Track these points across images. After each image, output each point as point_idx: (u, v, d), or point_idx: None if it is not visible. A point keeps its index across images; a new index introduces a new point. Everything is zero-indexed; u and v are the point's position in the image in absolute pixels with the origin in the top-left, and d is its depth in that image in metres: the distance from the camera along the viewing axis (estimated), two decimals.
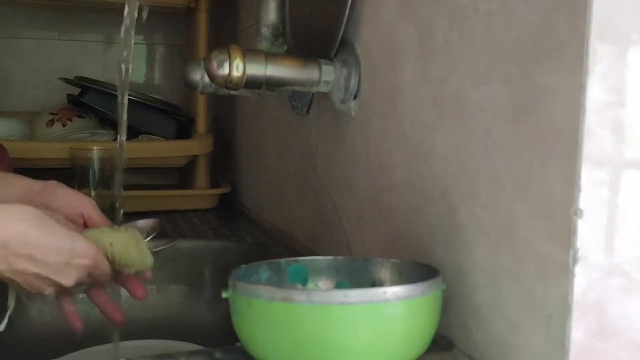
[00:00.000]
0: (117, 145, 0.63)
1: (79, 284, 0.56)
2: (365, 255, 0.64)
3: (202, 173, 1.23)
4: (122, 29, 0.59)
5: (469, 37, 0.49)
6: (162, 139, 1.21)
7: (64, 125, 1.20)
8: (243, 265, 0.51)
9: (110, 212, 1.05)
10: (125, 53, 0.60)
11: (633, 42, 0.38)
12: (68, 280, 0.53)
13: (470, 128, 0.49)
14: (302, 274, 0.55)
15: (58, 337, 0.79)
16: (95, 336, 0.73)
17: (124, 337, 0.73)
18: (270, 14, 0.78)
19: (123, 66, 0.60)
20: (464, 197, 0.50)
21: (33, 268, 0.51)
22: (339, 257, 0.55)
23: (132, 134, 1.19)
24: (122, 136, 0.63)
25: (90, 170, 1.02)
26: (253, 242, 0.95)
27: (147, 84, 1.44)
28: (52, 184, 0.64)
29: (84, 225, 0.63)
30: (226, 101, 1.36)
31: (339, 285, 0.55)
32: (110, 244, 0.57)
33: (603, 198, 0.38)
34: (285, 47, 0.80)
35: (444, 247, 0.52)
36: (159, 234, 0.71)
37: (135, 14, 0.59)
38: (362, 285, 0.53)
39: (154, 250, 0.65)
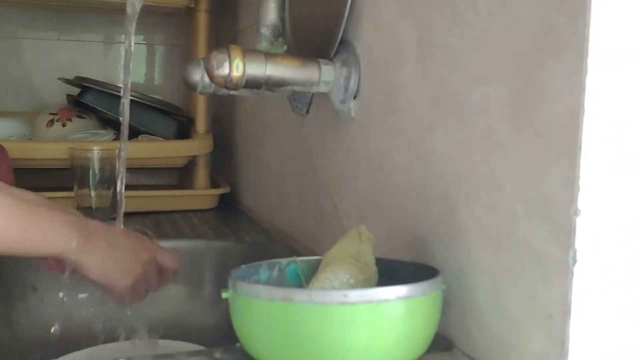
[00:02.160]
0: (119, 147, 0.63)
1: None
2: None
3: (202, 173, 1.23)
4: (126, 27, 0.59)
5: (469, 37, 0.49)
6: (162, 139, 1.21)
7: (64, 125, 1.20)
8: (243, 266, 0.51)
9: (110, 212, 1.06)
10: (126, 54, 0.60)
11: (633, 42, 0.38)
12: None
13: (470, 128, 0.49)
14: (302, 274, 0.55)
15: (58, 337, 0.79)
16: (95, 336, 0.73)
17: (124, 337, 0.73)
18: (270, 14, 0.78)
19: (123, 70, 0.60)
20: (464, 197, 0.50)
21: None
22: None
23: (132, 134, 1.19)
24: (125, 138, 0.63)
25: (90, 171, 1.02)
26: (253, 242, 0.95)
27: (147, 84, 1.44)
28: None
29: None
30: (226, 101, 1.36)
31: None
32: None
33: (603, 198, 0.38)
34: (285, 47, 0.80)
35: (444, 247, 0.52)
36: None
37: (137, 11, 0.59)
38: None
39: None
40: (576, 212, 0.38)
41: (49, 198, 1.07)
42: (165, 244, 0.93)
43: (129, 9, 0.61)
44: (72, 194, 1.05)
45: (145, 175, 1.30)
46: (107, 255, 0.59)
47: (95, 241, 0.57)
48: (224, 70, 0.64)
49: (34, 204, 0.56)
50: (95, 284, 0.59)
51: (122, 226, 0.66)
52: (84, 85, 1.21)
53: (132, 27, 0.61)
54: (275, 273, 0.54)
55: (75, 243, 0.55)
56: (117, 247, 0.60)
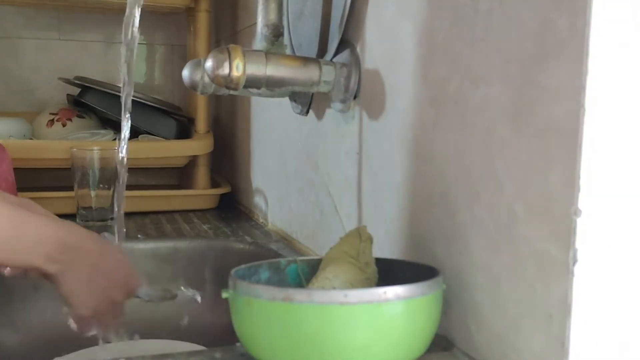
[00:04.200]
0: (118, 147, 0.63)
1: None
2: None
3: (202, 173, 1.23)
4: (123, 28, 0.59)
5: (469, 37, 0.49)
6: (162, 139, 1.21)
7: (64, 125, 1.20)
8: (243, 265, 0.51)
9: (110, 212, 1.06)
10: (127, 53, 0.60)
11: (633, 42, 0.38)
12: None
13: (470, 128, 0.49)
14: (302, 274, 0.55)
15: (58, 337, 0.79)
16: (95, 336, 0.73)
17: (124, 337, 0.73)
18: (271, 14, 0.77)
19: (125, 68, 0.60)
20: (464, 197, 0.50)
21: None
22: None
23: (132, 134, 1.19)
24: (125, 139, 0.63)
25: (90, 170, 1.02)
26: (253, 242, 0.95)
27: (147, 84, 1.44)
28: (26, 201, 0.62)
29: None
30: (226, 101, 1.36)
31: None
32: None
33: (603, 198, 0.38)
34: (286, 46, 0.80)
35: (444, 247, 0.53)
36: None
37: (138, 12, 0.59)
38: None
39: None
40: (576, 212, 0.38)
41: (49, 198, 1.07)
42: (166, 244, 0.93)
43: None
44: (72, 194, 1.05)
45: (145, 175, 1.30)
46: (86, 275, 0.56)
47: (79, 258, 0.55)
48: (224, 70, 0.64)
49: (23, 208, 0.53)
50: (62, 298, 0.57)
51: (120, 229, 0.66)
52: (84, 85, 1.21)
53: (135, 27, 0.61)
54: (275, 273, 0.54)
55: (59, 256, 0.53)
56: (98, 269, 0.57)
